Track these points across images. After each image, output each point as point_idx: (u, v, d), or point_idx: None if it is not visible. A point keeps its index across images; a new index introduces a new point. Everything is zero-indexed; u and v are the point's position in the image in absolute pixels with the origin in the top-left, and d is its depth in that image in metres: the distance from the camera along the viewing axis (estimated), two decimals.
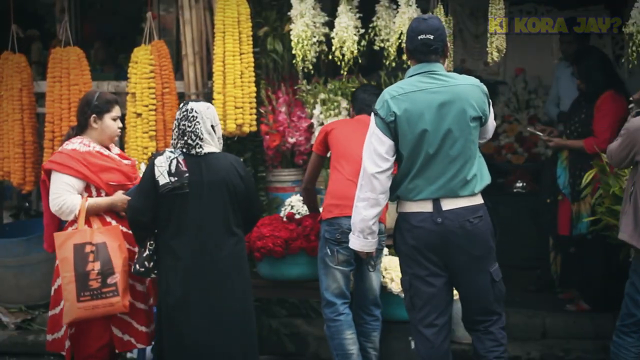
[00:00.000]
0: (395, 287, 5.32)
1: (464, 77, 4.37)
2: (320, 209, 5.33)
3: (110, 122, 4.90)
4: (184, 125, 4.59)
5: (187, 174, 4.52)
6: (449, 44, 4.48)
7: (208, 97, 6.00)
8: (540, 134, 6.63)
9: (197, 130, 4.57)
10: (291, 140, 6.14)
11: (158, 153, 4.63)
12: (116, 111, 4.94)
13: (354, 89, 5.73)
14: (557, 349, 6.04)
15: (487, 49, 5.50)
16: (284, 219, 5.59)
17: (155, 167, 4.53)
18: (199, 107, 4.63)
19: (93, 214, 4.77)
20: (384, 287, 5.33)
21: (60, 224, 4.88)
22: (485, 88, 4.37)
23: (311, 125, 6.14)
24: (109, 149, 4.96)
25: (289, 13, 5.93)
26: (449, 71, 5.79)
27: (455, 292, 4.42)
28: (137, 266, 4.65)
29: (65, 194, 4.74)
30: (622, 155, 4.74)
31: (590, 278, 6.35)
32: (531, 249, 7.06)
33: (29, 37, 6.88)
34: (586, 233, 6.19)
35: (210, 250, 4.54)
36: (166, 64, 6.17)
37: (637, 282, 4.68)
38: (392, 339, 5.39)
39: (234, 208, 4.61)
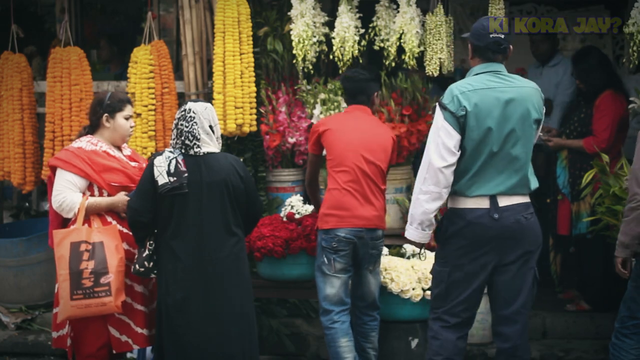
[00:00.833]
0: (395, 287, 5.32)
1: (525, 80, 4.48)
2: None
3: (122, 121, 4.90)
4: (181, 125, 4.59)
5: (186, 174, 4.52)
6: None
7: (208, 97, 6.00)
8: (540, 133, 6.63)
9: (194, 131, 4.57)
10: (291, 140, 6.14)
11: (157, 153, 4.63)
12: (128, 110, 4.94)
13: None
14: (557, 349, 6.05)
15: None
16: (284, 219, 5.59)
17: (155, 167, 4.53)
18: (197, 108, 4.63)
19: (93, 213, 4.77)
20: (384, 288, 5.33)
21: (65, 221, 4.89)
22: (542, 94, 4.47)
23: (311, 125, 6.14)
24: (120, 149, 4.96)
25: (289, 13, 5.93)
26: (449, 71, 5.87)
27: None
28: (137, 266, 4.66)
29: (66, 192, 4.75)
30: None
31: (590, 278, 6.35)
32: None
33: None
34: (586, 233, 6.19)
35: (210, 250, 4.54)
36: (166, 64, 6.17)
37: None
38: (392, 338, 5.40)
39: (234, 208, 4.61)
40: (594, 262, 6.23)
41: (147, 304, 4.89)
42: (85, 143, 4.85)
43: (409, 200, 4.72)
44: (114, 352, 4.83)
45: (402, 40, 5.72)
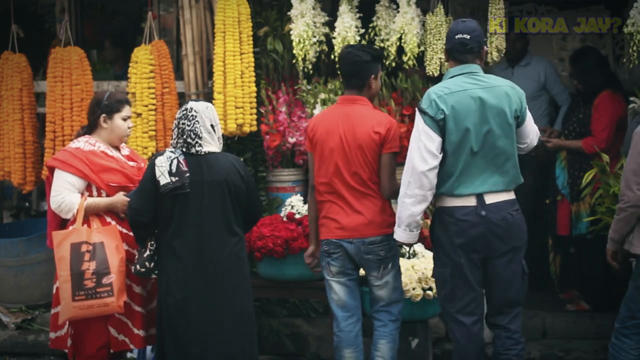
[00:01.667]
0: None
1: (500, 79, 4.54)
2: None
3: (120, 122, 4.90)
4: (183, 124, 4.59)
5: (188, 174, 4.52)
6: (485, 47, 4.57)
7: (208, 97, 6.00)
8: (539, 133, 6.63)
9: (197, 129, 4.58)
10: (291, 140, 6.14)
11: (158, 153, 4.64)
12: (126, 111, 4.94)
13: None
14: (557, 349, 6.05)
15: (487, 49, 5.50)
16: (284, 219, 5.59)
17: (156, 167, 4.53)
18: (198, 107, 4.64)
19: (92, 214, 4.77)
20: None
21: (63, 221, 4.89)
22: (521, 90, 4.54)
23: None
24: (118, 149, 4.96)
25: (289, 13, 5.94)
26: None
27: None
28: (138, 266, 4.66)
29: (64, 192, 4.75)
30: None
31: (590, 278, 6.36)
32: (531, 249, 7.05)
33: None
34: (586, 233, 6.20)
35: (210, 249, 4.55)
36: (166, 63, 6.17)
37: None
38: None
39: (235, 208, 4.61)
40: (594, 262, 6.23)
41: (144, 305, 4.90)
42: (83, 143, 4.85)
43: None
44: (112, 351, 4.84)
45: (402, 40, 5.73)
